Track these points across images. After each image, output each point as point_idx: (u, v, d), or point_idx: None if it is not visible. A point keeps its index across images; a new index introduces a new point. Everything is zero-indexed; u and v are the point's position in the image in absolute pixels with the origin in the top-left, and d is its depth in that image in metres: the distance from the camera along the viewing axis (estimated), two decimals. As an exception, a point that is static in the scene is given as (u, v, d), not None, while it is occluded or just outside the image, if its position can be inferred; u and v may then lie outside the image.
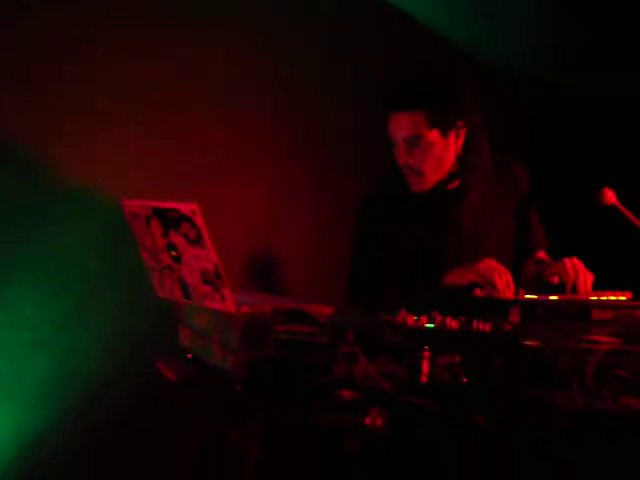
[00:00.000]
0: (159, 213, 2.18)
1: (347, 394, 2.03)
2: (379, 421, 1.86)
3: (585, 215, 3.26)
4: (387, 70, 4.10)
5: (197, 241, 2.10)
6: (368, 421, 1.86)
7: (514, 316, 2.45)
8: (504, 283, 2.77)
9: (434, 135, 3.00)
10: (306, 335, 2.16)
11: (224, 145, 3.79)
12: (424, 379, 2.11)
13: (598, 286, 2.92)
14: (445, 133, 3.02)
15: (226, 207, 3.69)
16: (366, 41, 4.33)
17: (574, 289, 2.90)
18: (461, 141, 3.08)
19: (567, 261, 2.95)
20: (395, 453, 1.91)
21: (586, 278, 2.92)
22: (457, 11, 4.47)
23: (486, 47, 4.50)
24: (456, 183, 3.12)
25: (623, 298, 2.72)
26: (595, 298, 2.71)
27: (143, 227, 2.28)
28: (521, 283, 2.98)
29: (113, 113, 3.43)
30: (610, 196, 3.05)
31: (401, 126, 3.00)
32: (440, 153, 3.03)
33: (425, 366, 2.12)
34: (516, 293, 2.72)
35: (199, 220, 2.06)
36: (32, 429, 3.27)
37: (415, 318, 2.28)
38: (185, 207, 2.07)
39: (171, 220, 2.15)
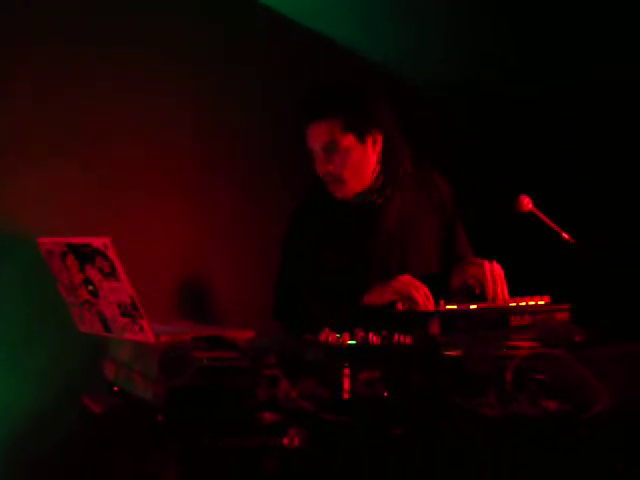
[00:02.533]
0: (73, 249, 2.20)
1: (268, 416, 2.05)
2: (296, 441, 1.88)
3: (503, 222, 3.30)
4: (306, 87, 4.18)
5: (112, 274, 2.12)
6: (286, 441, 1.89)
7: (434, 327, 2.48)
8: (422, 296, 2.80)
9: (350, 140, 3.04)
10: (227, 360, 2.17)
11: (145, 175, 3.76)
12: (346, 396, 2.13)
13: (518, 292, 2.97)
14: (361, 138, 3.06)
15: (147, 237, 3.66)
16: (285, 61, 4.36)
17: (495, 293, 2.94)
18: (379, 148, 3.12)
19: (486, 264, 2.99)
20: (315, 472, 1.93)
21: (502, 284, 2.96)
22: (374, 29, 4.52)
23: (401, 62, 4.56)
24: (380, 197, 3.15)
25: (542, 303, 2.77)
26: (514, 304, 2.75)
27: (59, 263, 2.29)
28: (450, 294, 3.02)
29: (30, 149, 3.41)
30: (527, 202, 3.11)
31: (317, 134, 3.05)
32: (359, 159, 3.07)
33: (346, 383, 2.14)
34: (437, 304, 2.75)
35: (112, 253, 2.07)
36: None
37: (337, 336, 2.31)
38: (97, 241, 2.09)
39: (85, 255, 2.16)
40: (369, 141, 3.09)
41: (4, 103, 3.35)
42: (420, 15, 4.25)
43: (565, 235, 3.08)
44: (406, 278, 2.87)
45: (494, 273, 2.96)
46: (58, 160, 3.46)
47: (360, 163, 3.09)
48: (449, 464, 1.97)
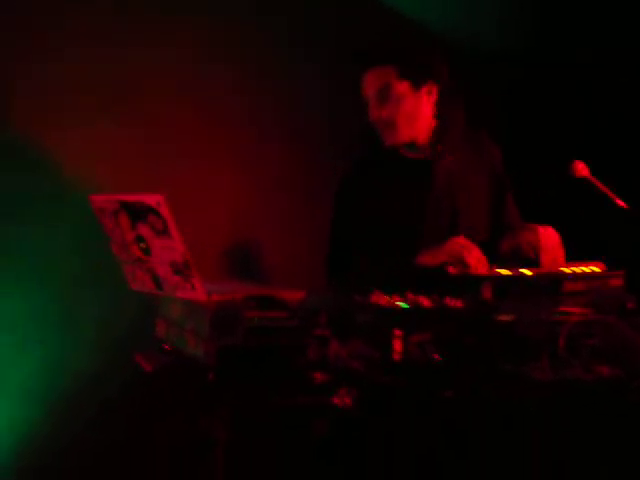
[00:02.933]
0: (126, 206, 2.20)
1: (319, 376, 2.05)
2: (348, 401, 1.88)
3: (558, 187, 3.26)
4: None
5: (164, 232, 2.12)
6: (337, 401, 1.88)
7: (487, 292, 2.46)
8: (474, 259, 2.78)
9: (404, 87, 3.04)
10: (278, 320, 2.17)
11: (193, 131, 3.79)
12: (396, 358, 2.13)
13: (572, 258, 2.94)
14: (416, 86, 3.06)
15: (197, 194, 3.69)
16: (332, 22, 4.33)
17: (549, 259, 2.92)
18: (433, 99, 3.11)
19: (540, 229, 2.96)
20: (365, 432, 1.93)
21: (559, 250, 2.93)
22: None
23: (454, 26, 4.50)
24: (430, 152, 3.14)
25: (596, 269, 2.74)
26: (568, 270, 2.72)
27: (112, 221, 2.29)
28: (499, 259, 2.99)
29: (80, 109, 3.43)
30: (582, 168, 3.06)
31: (372, 80, 3.06)
32: (412, 107, 3.07)
33: (397, 345, 2.14)
34: (489, 269, 2.73)
35: (165, 211, 2.07)
36: (20, 427, 3.29)
37: (388, 298, 2.30)
38: (150, 199, 2.09)
39: (138, 212, 2.16)
40: (424, 91, 3.08)
41: (55, 67, 3.38)
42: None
43: (620, 202, 3.03)
44: (460, 240, 2.85)
45: (549, 238, 2.93)
46: (108, 120, 3.49)
47: (413, 111, 3.08)
48: (501, 428, 1.96)
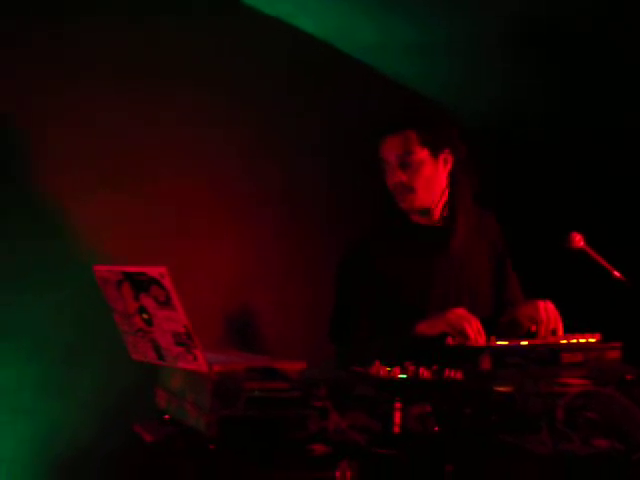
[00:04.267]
0: (129, 277, 2.22)
1: (319, 448, 2.06)
2: (349, 474, 1.89)
3: (554, 259, 3.29)
4: (360, 121, 4.21)
5: (167, 303, 2.14)
6: (338, 474, 1.89)
7: (485, 363, 2.48)
8: (475, 331, 2.80)
9: (424, 154, 3.12)
10: (278, 391, 2.18)
11: (192, 203, 3.82)
12: (396, 430, 2.14)
13: (568, 329, 2.96)
14: (435, 154, 3.14)
15: (197, 265, 3.71)
16: (339, 97, 4.39)
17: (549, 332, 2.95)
18: (449, 168, 3.19)
19: (540, 304, 3.00)
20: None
21: (557, 323, 2.96)
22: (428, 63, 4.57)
23: (456, 97, 4.59)
24: (441, 220, 3.21)
25: (593, 340, 2.76)
26: (565, 341, 2.74)
27: (115, 291, 2.31)
28: (497, 329, 3.02)
29: (83, 179, 3.46)
30: (578, 240, 3.10)
31: (394, 145, 3.13)
32: (430, 174, 3.14)
33: (397, 417, 2.15)
34: (488, 340, 2.75)
35: (168, 283, 2.09)
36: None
37: (388, 369, 2.31)
38: (154, 270, 2.11)
39: (141, 284, 2.18)
40: (441, 159, 3.16)
41: (55, 132, 3.42)
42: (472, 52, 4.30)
43: (616, 273, 3.06)
44: (460, 311, 2.87)
45: (549, 312, 2.96)
46: (109, 191, 3.52)
47: (431, 178, 3.15)
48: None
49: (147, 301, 2.20)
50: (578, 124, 4.62)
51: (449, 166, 3.19)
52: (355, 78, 4.48)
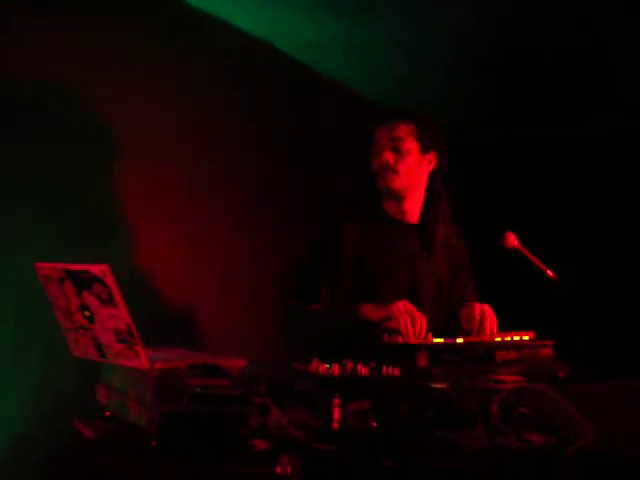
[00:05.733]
0: (71, 275, 2.23)
1: (260, 444, 2.09)
2: (289, 469, 1.92)
3: (489, 258, 3.36)
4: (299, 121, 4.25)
5: (109, 301, 2.15)
6: (279, 470, 1.92)
7: (422, 360, 2.53)
8: (411, 329, 2.85)
9: (415, 146, 3.30)
10: (220, 388, 2.21)
11: (131, 200, 3.81)
12: (335, 426, 2.17)
13: (503, 327, 3.03)
14: (423, 151, 3.33)
15: (143, 263, 3.72)
16: (278, 95, 4.42)
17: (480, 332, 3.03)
18: (431, 169, 3.37)
19: (477, 305, 3.10)
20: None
21: (492, 322, 3.04)
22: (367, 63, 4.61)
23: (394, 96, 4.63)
24: (421, 223, 3.36)
25: (526, 338, 2.83)
26: (499, 339, 2.81)
27: (57, 289, 2.32)
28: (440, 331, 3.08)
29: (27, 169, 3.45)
30: (512, 239, 3.17)
31: (390, 131, 3.30)
32: (415, 164, 3.31)
33: (336, 413, 2.19)
34: (425, 338, 2.80)
35: (110, 280, 2.11)
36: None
37: (327, 366, 2.35)
38: (96, 268, 2.12)
39: (83, 281, 2.19)
40: (427, 158, 3.35)
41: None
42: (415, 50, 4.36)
43: (549, 272, 3.13)
44: (408, 306, 2.92)
45: (484, 313, 3.04)
46: (56, 190, 3.50)
47: (414, 168, 3.31)
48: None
49: (89, 299, 2.21)
50: (511, 124, 4.71)
51: (431, 167, 3.36)
52: (293, 77, 4.51)
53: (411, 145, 3.28)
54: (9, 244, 3.38)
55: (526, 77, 4.49)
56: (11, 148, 3.42)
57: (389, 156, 3.27)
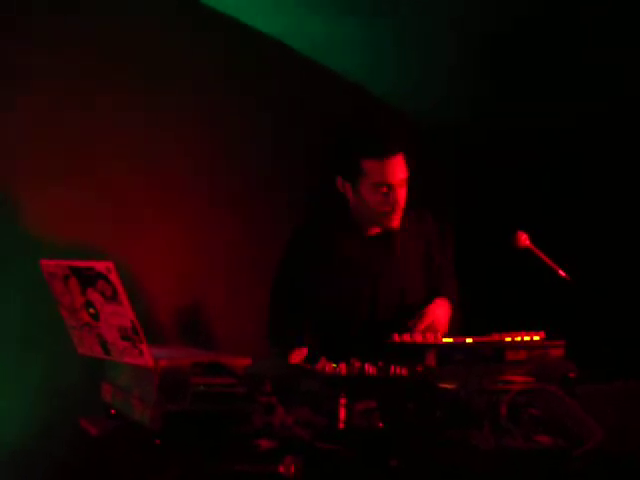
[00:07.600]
0: (76, 272, 2.22)
1: (264, 443, 2.07)
2: (292, 469, 1.90)
3: (500, 257, 3.33)
4: (309, 119, 4.23)
5: (113, 298, 2.14)
6: (282, 469, 1.90)
7: (430, 360, 2.51)
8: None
9: (406, 176, 3.09)
10: (224, 387, 2.19)
11: (143, 196, 3.80)
12: (341, 426, 2.16)
13: (514, 327, 3.00)
14: (409, 176, 3.09)
15: (147, 260, 3.70)
16: (287, 92, 4.39)
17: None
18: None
19: (432, 304, 3.10)
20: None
21: (438, 324, 3.05)
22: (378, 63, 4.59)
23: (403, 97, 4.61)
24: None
25: (537, 338, 2.79)
26: (509, 339, 2.78)
27: (62, 286, 2.31)
28: None
29: (33, 172, 3.44)
30: (524, 239, 3.14)
31: (395, 168, 3.06)
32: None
33: (342, 413, 2.17)
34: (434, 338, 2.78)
35: (114, 277, 2.10)
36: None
37: (334, 366, 2.33)
38: (100, 265, 2.11)
39: (88, 278, 2.18)
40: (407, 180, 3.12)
41: (6, 132, 3.40)
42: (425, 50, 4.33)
43: (561, 272, 3.10)
44: None
45: (435, 312, 3.07)
46: (60, 189, 3.49)
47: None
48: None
49: (94, 296, 2.21)
50: (527, 124, 4.68)
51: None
52: (304, 75, 4.48)
53: (405, 176, 3.10)
54: (15, 243, 3.38)
55: (532, 75, 4.44)
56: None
57: (400, 197, 3.09)
